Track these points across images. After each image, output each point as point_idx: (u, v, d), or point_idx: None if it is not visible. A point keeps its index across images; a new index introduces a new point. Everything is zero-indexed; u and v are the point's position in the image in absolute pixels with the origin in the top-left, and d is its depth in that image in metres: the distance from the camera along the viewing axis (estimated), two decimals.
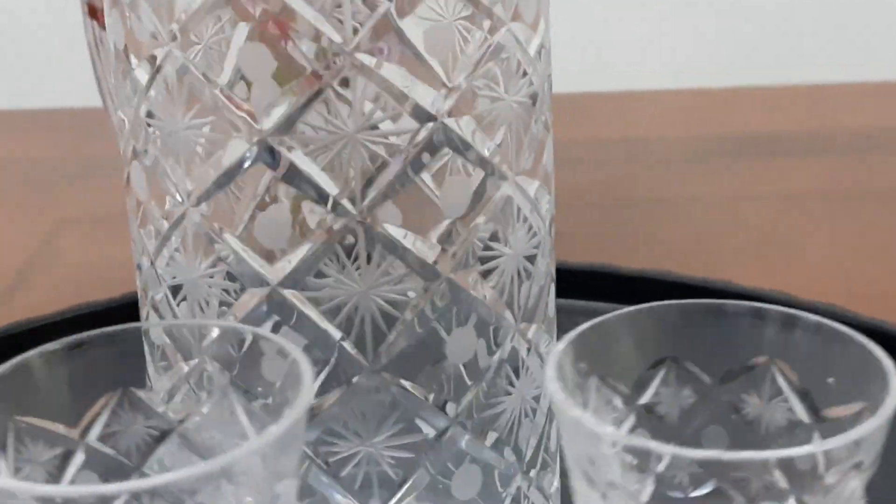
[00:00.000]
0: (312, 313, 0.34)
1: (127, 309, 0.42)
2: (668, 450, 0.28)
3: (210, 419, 0.33)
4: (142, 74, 0.35)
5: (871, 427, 0.28)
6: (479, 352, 0.36)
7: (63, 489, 0.30)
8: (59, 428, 0.32)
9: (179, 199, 0.34)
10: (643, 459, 0.28)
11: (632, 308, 0.33)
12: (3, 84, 1.23)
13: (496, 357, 0.36)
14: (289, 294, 0.34)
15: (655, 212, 0.71)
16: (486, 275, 0.36)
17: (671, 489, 0.29)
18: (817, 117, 0.86)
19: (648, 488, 0.29)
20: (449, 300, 0.35)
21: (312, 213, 0.34)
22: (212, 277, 0.34)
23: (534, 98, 0.36)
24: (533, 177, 0.36)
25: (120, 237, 0.72)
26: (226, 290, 0.35)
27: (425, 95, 0.33)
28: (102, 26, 0.61)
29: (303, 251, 0.34)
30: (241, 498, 0.28)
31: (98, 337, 0.32)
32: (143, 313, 0.37)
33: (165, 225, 0.35)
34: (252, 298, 0.34)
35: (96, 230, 0.74)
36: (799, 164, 0.78)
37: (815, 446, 0.30)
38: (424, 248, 0.34)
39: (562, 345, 0.31)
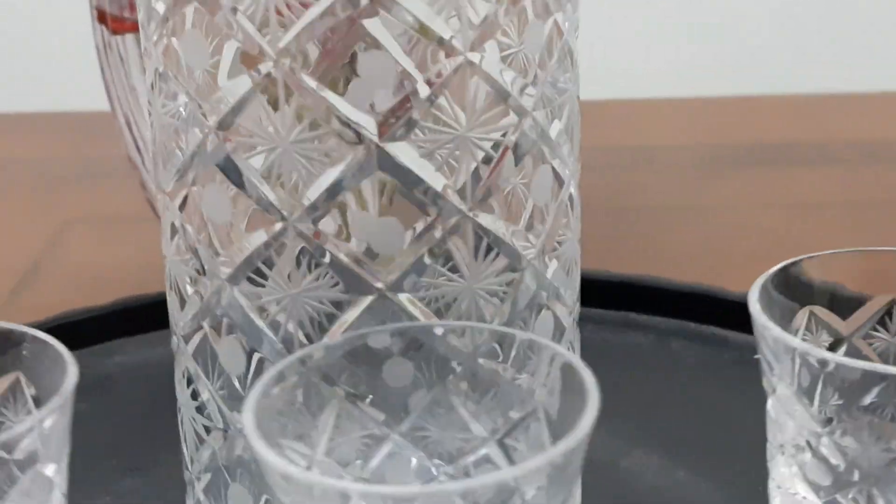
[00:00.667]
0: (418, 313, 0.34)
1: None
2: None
3: None
4: (240, 86, 0.34)
5: None
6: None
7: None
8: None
9: (282, 215, 0.34)
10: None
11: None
12: (10, 86, 1.24)
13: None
14: (400, 298, 0.34)
15: (662, 218, 0.71)
16: (556, 258, 0.37)
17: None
18: (825, 127, 0.87)
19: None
20: (535, 287, 0.36)
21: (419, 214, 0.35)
22: (316, 291, 0.34)
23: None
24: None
25: (125, 237, 0.73)
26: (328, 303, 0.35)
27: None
28: (111, 31, 0.62)
29: (410, 255, 0.34)
30: None
31: None
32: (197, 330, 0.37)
33: (256, 244, 0.34)
34: (359, 306, 0.34)
35: (102, 230, 0.75)
36: (807, 173, 0.78)
37: None
38: (516, 240, 0.35)
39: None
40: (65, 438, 0.32)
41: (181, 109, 0.35)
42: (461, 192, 0.34)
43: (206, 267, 0.36)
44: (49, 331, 0.35)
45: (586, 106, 0.88)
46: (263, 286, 0.35)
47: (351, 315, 0.34)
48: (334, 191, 0.34)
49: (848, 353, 0.37)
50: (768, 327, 0.33)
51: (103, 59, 0.64)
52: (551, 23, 0.36)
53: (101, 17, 0.63)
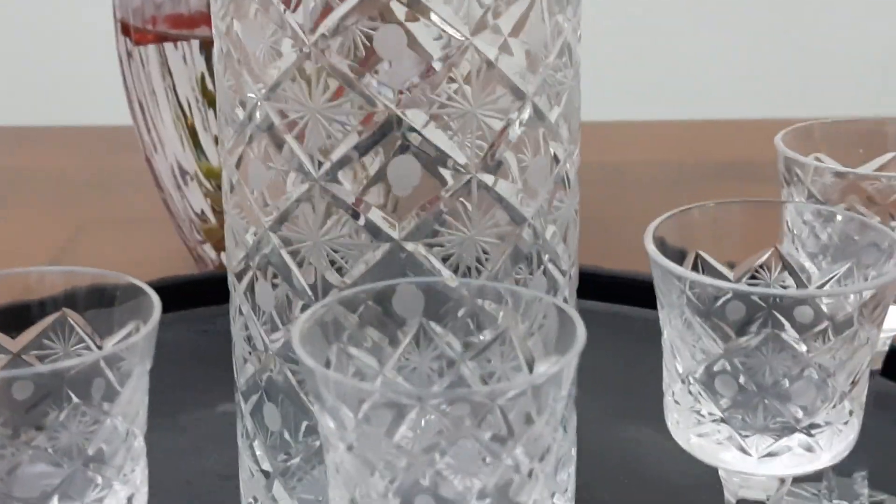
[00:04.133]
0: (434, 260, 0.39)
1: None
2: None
3: None
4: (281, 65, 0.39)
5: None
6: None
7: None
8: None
9: (309, 172, 0.39)
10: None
11: None
12: (35, 101, 1.28)
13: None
14: (411, 247, 0.39)
15: (640, 229, 0.75)
16: (553, 222, 0.42)
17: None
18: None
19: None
20: (532, 242, 0.41)
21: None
22: (338, 239, 0.39)
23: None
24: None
25: (138, 237, 0.77)
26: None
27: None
28: (134, 42, 0.67)
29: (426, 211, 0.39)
30: None
31: None
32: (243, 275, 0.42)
33: (292, 197, 0.39)
34: (377, 252, 0.39)
35: (117, 231, 0.78)
36: (766, 190, 0.82)
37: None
38: (518, 199, 0.40)
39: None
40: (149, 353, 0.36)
41: (239, 81, 0.40)
42: (469, 157, 0.39)
43: (253, 216, 0.41)
44: None
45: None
46: (297, 234, 0.40)
47: (370, 259, 0.39)
48: (356, 152, 0.39)
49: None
50: (658, 262, 0.38)
51: (126, 67, 0.67)
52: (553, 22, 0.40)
53: (125, 28, 0.67)
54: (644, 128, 1.01)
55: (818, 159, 0.46)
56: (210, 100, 0.65)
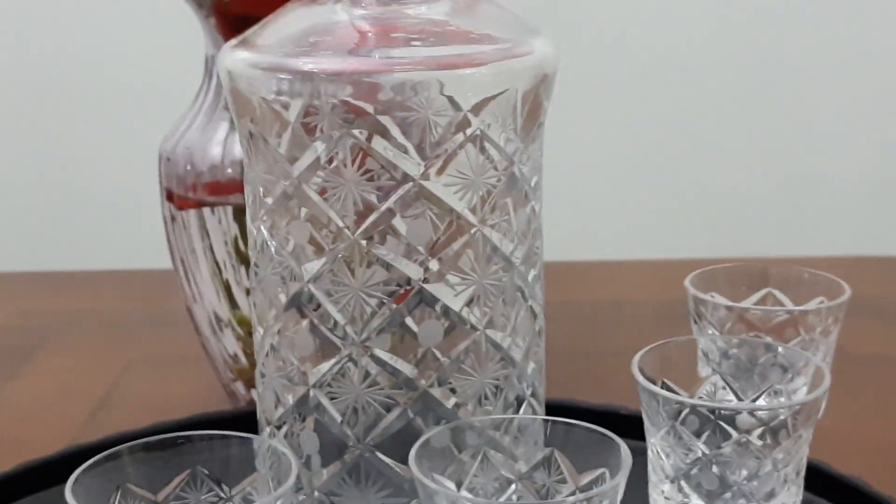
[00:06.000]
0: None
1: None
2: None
3: None
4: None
5: None
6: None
7: None
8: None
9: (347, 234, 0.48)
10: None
11: None
12: (85, 248, 1.38)
13: None
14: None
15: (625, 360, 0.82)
16: (533, 266, 0.51)
17: None
18: None
19: None
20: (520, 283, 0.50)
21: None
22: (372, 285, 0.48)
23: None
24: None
25: (180, 375, 0.82)
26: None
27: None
28: (177, 207, 0.73)
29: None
30: None
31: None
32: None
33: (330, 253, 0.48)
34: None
35: (161, 368, 0.84)
36: None
37: None
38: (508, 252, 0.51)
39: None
40: None
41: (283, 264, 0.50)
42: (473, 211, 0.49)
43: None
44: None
45: (569, 266, 0.99)
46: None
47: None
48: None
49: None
50: (643, 385, 0.48)
51: (169, 228, 0.74)
52: None
53: (170, 195, 0.73)
54: (632, 267, 1.07)
55: (713, 297, 0.56)
56: (242, 259, 0.71)
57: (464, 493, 0.46)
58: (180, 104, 0.78)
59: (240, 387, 0.76)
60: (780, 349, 0.51)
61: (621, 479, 0.43)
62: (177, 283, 0.76)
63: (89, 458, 0.46)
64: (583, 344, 0.86)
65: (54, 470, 0.62)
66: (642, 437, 0.50)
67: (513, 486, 0.48)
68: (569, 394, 0.68)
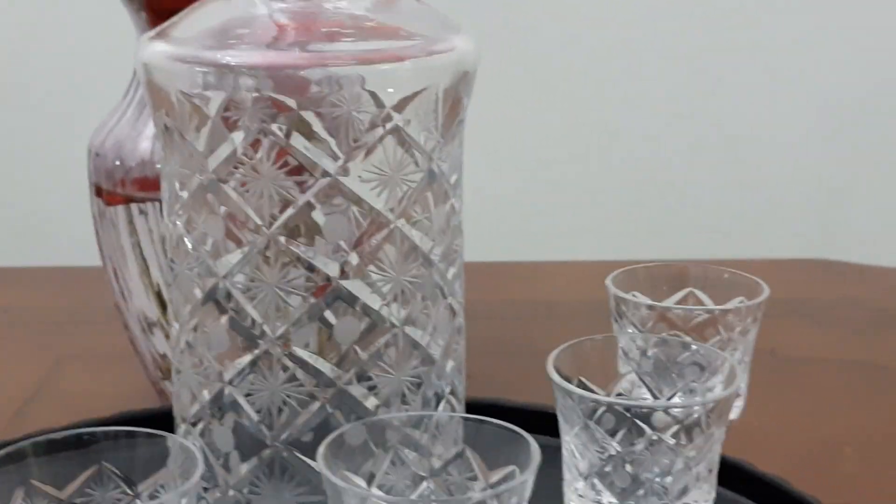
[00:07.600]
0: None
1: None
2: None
3: None
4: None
5: None
6: None
7: None
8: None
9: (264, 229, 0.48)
10: None
11: None
12: (13, 244, 1.37)
13: None
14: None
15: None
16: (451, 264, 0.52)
17: None
18: None
19: None
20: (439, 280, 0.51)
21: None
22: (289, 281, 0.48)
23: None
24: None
25: (110, 371, 0.82)
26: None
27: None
28: (105, 202, 0.72)
29: None
30: None
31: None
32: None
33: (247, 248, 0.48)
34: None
35: (91, 365, 0.84)
36: None
37: None
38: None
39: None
40: None
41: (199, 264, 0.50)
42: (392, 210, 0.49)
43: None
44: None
45: (498, 266, 1.00)
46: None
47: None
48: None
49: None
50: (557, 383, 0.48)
51: (98, 224, 0.73)
52: None
53: (99, 191, 0.72)
54: (562, 268, 1.08)
55: (635, 296, 0.56)
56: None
57: (374, 490, 0.46)
58: (111, 99, 0.77)
59: (169, 385, 0.75)
60: (697, 348, 0.52)
61: (529, 476, 0.43)
62: (106, 281, 0.76)
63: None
64: (507, 343, 0.87)
65: None
66: None
67: (424, 484, 0.48)
68: (493, 393, 0.68)
